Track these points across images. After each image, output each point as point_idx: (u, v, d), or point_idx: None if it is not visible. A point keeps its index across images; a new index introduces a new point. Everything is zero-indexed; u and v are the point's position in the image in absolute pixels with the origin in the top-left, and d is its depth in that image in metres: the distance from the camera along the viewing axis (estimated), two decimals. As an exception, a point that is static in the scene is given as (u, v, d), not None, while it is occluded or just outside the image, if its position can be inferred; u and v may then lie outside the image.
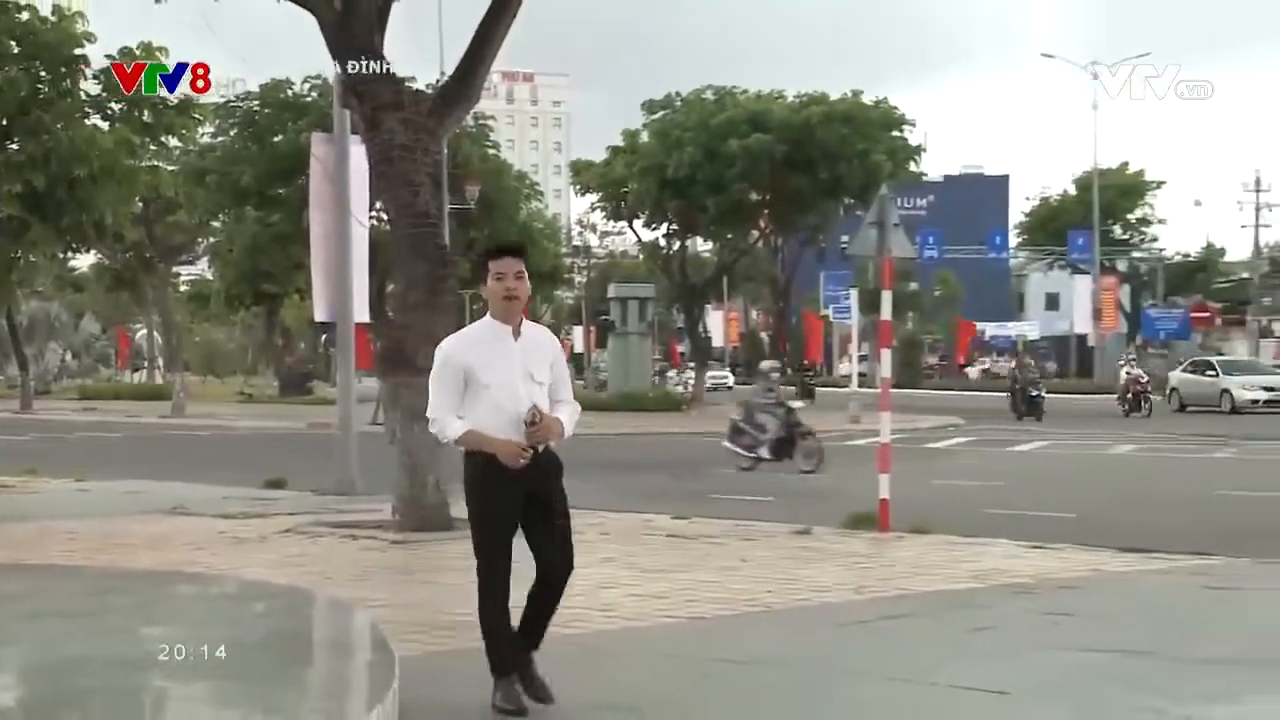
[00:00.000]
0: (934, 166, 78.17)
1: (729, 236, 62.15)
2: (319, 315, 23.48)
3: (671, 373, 75.83)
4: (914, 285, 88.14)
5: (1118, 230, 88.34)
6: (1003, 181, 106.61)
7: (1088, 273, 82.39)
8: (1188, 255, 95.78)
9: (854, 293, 56.89)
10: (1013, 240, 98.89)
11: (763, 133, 51.84)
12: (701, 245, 65.78)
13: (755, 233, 61.14)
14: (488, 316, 7.64)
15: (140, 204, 45.58)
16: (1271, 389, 52.63)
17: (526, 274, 7.55)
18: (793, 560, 14.32)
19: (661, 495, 20.98)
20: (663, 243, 62.30)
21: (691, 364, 66.32)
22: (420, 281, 16.61)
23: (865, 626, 10.83)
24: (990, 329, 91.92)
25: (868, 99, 54.66)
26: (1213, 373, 54.26)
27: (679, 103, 56.36)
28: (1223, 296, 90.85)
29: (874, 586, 12.60)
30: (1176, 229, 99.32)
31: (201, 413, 53.59)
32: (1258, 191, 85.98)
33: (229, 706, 7.49)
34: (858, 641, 10.38)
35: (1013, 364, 62.87)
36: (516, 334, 7.54)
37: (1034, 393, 48.60)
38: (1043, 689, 8.65)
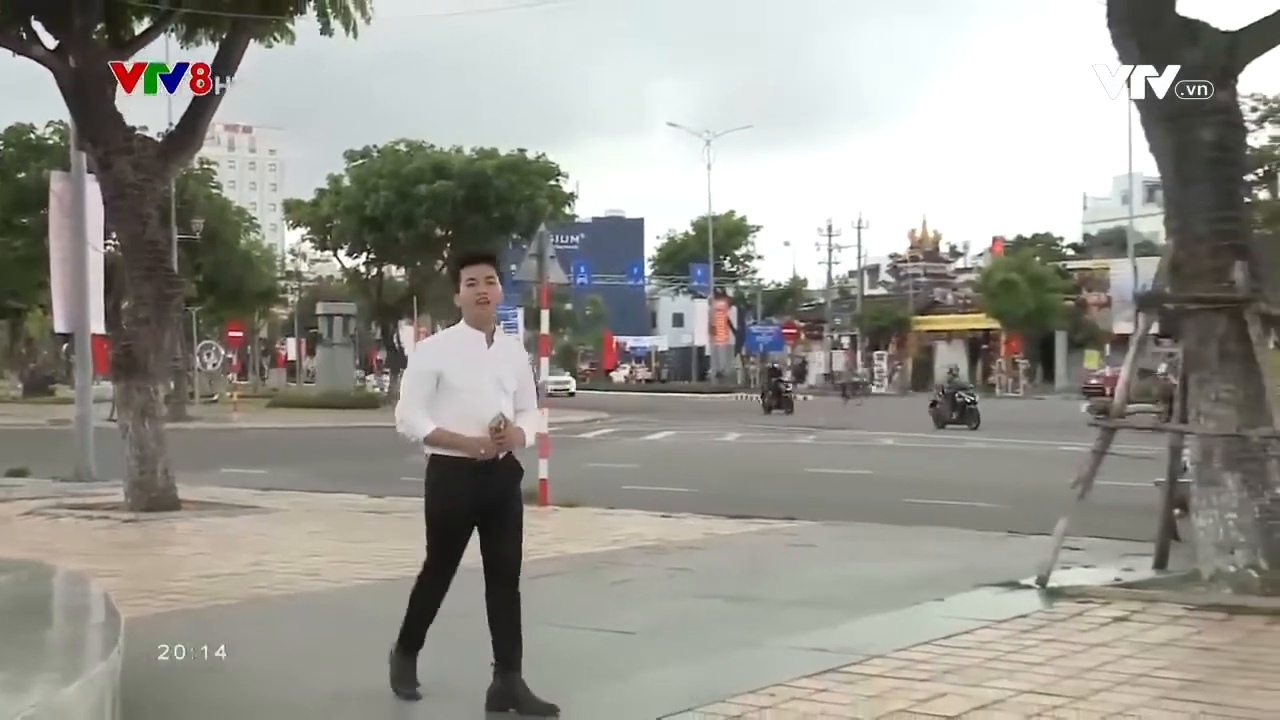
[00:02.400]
0: (585, 210, 79.39)
1: (418, 264, 62.02)
2: (59, 327, 22.60)
3: (370, 377, 74.78)
4: (569, 306, 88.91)
5: (727, 263, 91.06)
6: (639, 223, 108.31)
7: (705, 297, 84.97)
8: (779, 284, 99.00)
9: (521, 311, 57.24)
10: (647, 270, 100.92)
11: (446, 179, 52.45)
12: (395, 271, 65.16)
13: (440, 261, 61.02)
14: (461, 323, 6.61)
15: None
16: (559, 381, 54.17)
17: (498, 280, 6.58)
18: (468, 530, 14.13)
19: (361, 478, 20.54)
20: (362, 269, 61.93)
21: (387, 369, 66.09)
22: (149, 300, 16.25)
23: (529, 583, 10.58)
24: (630, 341, 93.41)
25: (531, 154, 55.45)
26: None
27: (376, 153, 56.63)
28: (806, 317, 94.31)
29: (535, 550, 12.34)
30: (771, 263, 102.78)
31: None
32: (830, 235, 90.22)
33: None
34: (524, 595, 10.16)
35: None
36: (489, 341, 6.54)
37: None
38: (663, 629, 8.73)
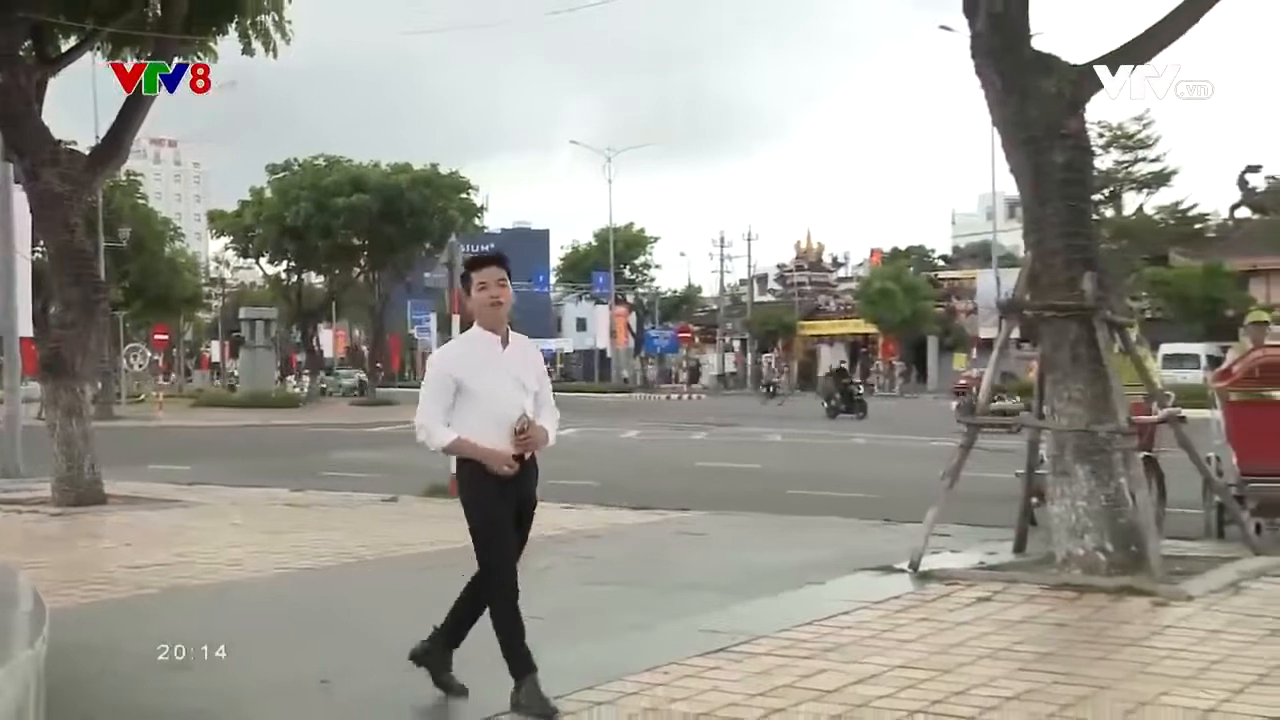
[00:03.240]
0: (494, 221, 79.32)
1: (336, 272, 61.68)
2: (-11, 330, 22.01)
3: (290, 378, 73.95)
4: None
5: (627, 272, 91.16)
6: (545, 234, 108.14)
7: (606, 303, 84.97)
8: (675, 291, 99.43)
9: (434, 316, 56.91)
10: (552, 278, 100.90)
11: (363, 192, 52.26)
12: (314, 278, 64.68)
13: (357, 269, 60.64)
14: (475, 327, 6.19)
15: None
16: None
17: (509, 281, 6.17)
18: (383, 521, 14.25)
19: (282, 473, 20.36)
20: (283, 276, 61.43)
21: (307, 371, 65.44)
22: (76, 304, 16.08)
23: (440, 570, 10.70)
24: (537, 344, 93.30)
25: (443, 170, 55.27)
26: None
27: (296, 167, 56.14)
28: (700, 322, 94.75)
29: (445, 540, 12.47)
30: (668, 272, 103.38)
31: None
32: (722, 246, 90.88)
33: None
34: (435, 582, 10.19)
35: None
36: (505, 343, 6.12)
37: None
38: (567, 613, 8.72)
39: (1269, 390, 12.46)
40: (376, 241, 54.62)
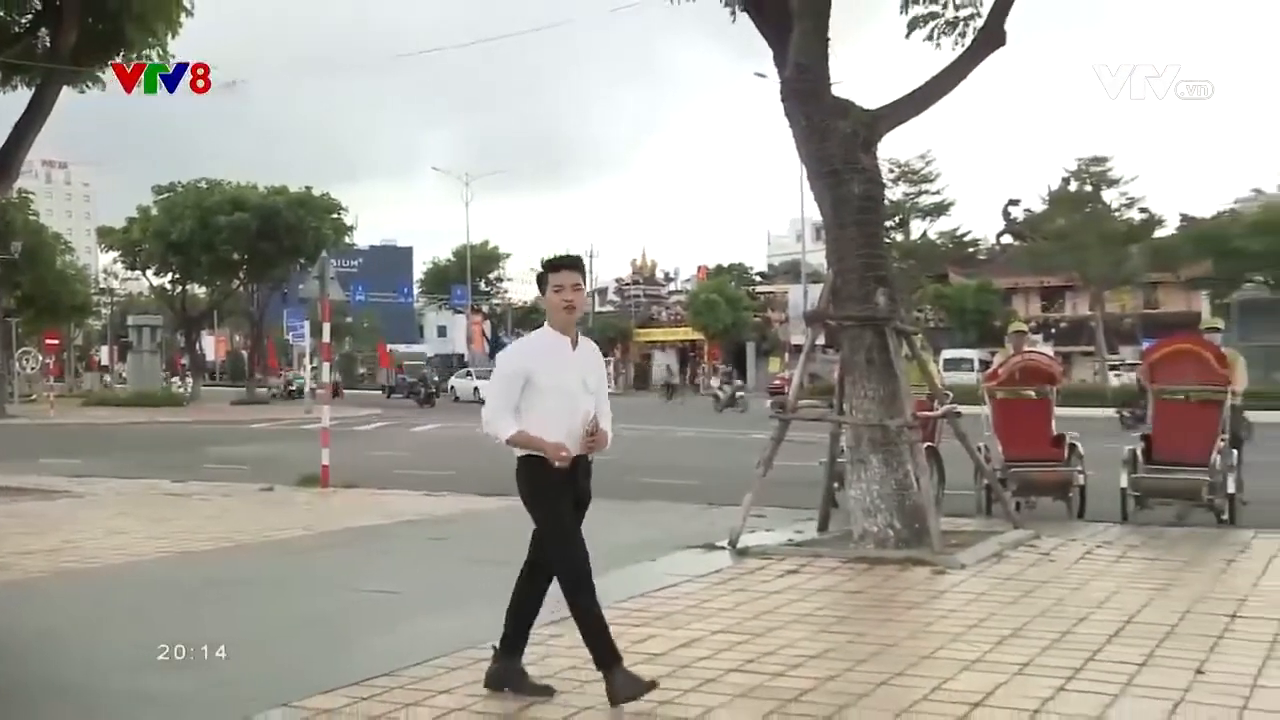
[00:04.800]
0: (363, 239, 77.66)
1: (218, 283, 60.07)
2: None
3: (175, 379, 71.69)
4: (349, 319, 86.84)
5: (483, 284, 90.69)
6: (409, 251, 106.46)
7: (464, 312, 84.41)
8: (526, 301, 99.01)
9: (307, 324, 55.77)
10: (416, 290, 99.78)
11: (243, 212, 51.04)
12: (197, 289, 62.88)
13: (237, 281, 59.19)
14: (545, 326, 5.66)
15: None
16: None
17: (584, 286, 5.64)
18: (260, 509, 13.91)
19: (166, 467, 19.76)
20: (168, 287, 59.58)
21: (190, 372, 63.62)
22: None
23: (311, 553, 10.65)
24: (402, 349, 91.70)
25: (317, 192, 54.29)
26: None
27: (181, 187, 54.52)
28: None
29: (318, 525, 12.37)
30: (520, 284, 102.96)
31: None
32: (591, 259, 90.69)
33: None
34: (307, 563, 10.15)
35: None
36: (574, 344, 5.61)
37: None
38: (425, 589, 8.73)
39: (1026, 389, 12.94)
40: (255, 256, 53.45)
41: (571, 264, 5.64)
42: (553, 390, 5.48)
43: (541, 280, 5.65)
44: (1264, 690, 5.71)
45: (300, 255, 51.87)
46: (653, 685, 5.44)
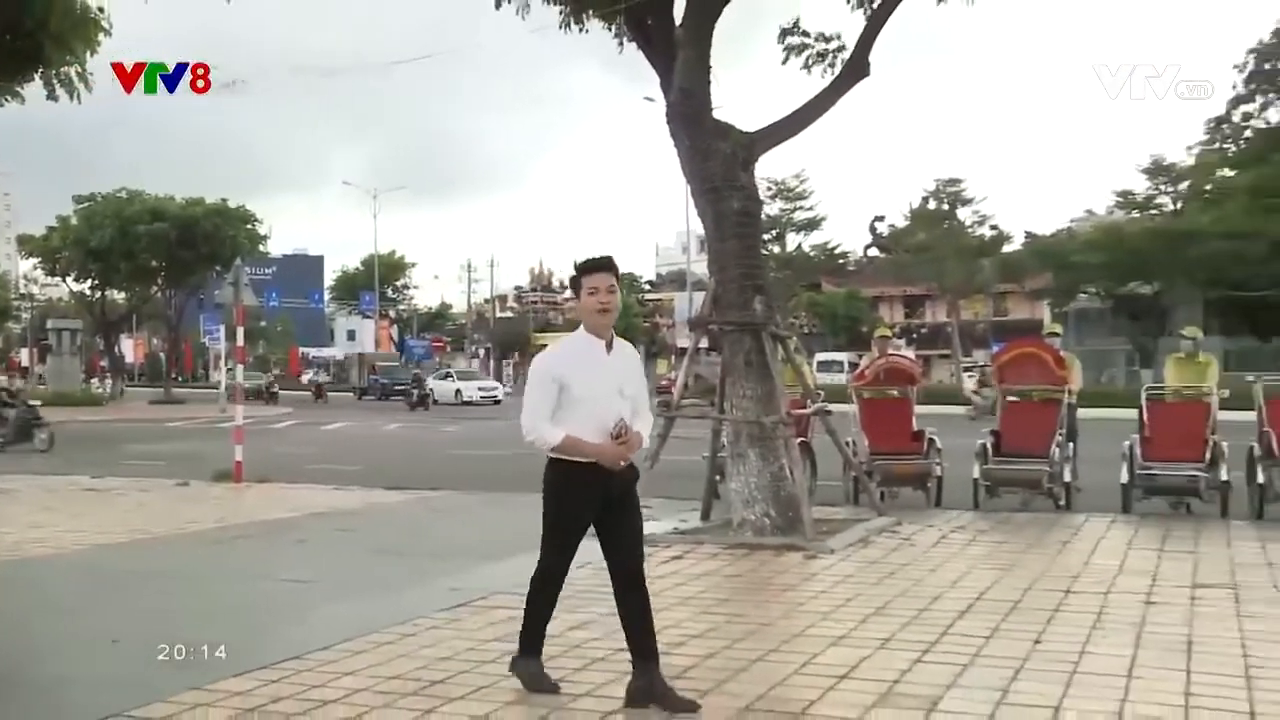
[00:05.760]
0: (276, 248, 76.17)
1: (137, 289, 58.46)
2: None
3: (94, 380, 69.56)
4: (263, 323, 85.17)
5: (390, 291, 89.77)
6: (320, 259, 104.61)
7: (372, 317, 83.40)
8: (430, 308, 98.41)
9: (223, 328, 54.54)
10: (326, 296, 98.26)
11: (162, 221, 49.71)
12: (117, 294, 61.12)
13: (155, 287, 57.71)
14: (580, 330, 5.09)
15: None
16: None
17: (619, 288, 5.09)
18: (175, 503, 13.55)
19: (85, 464, 19.15)
20: (87, 292, 57.75)
21: (109, 374, 61.82)
22: None
23: (225, 544, 10.40)
24: (313, 352, 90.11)
25: (233, 204, 53.24)
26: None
27: (100, 198, 52.89)
28: (451, 333, 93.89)
29: (230, 518, 12.07)
30: (424, 291, 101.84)
31: None
32: (470, 271, 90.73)
33: None
34: (220, 554, 9.91)
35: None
36: (609, 347, 5.06)
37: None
38: (331, 578, 8.57)
39: (890, 389, 13.15)
40: (173, 264, 52.27)
41: (606, 266, 5.10)
42: (587, 395, 4.97)
43: (575, 283, 5.13)
44: (1091, 656, 5.89)
45: (217, 263, 50.82)
46: (557, 688, 5.25)
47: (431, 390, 48.36)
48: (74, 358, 53.22)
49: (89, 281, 56.30)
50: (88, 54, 15.04)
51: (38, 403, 25.36)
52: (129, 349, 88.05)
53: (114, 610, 7.44)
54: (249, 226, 53.86)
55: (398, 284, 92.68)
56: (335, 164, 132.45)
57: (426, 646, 6.17)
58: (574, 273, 5.15)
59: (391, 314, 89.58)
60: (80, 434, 30.31)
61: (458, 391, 51.43)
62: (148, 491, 14.74)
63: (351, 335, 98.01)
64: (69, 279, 57.66)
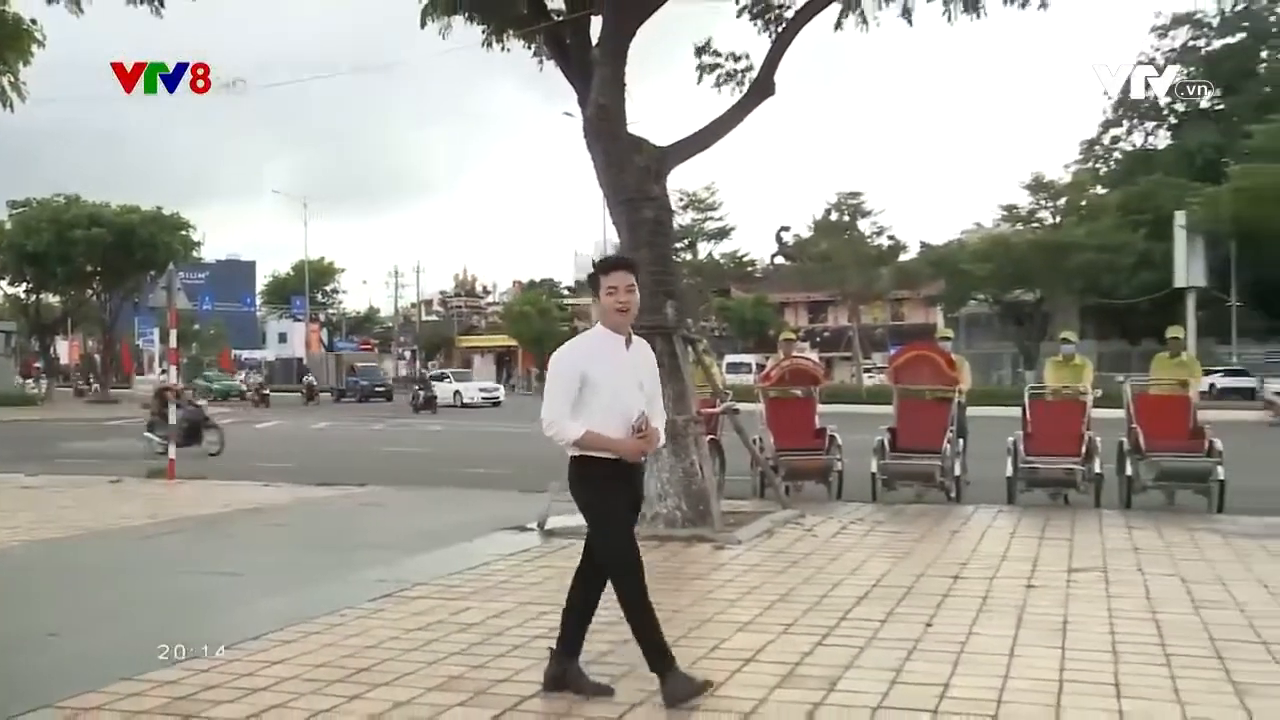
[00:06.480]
0: (210, 253, 74.47)
1: (72, 293, 56.86)
2: None
3: (29, 381, 67.53)
4: (197, 326, 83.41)
5: (319, 296, 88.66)
6: (252, 265, 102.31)
7: (302, 320, 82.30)
8: (359, 311, 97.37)
9: (157, 330, 53.41)
10: (258, 300, 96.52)
11: (99, 227, 48.48)
12: (52, 298, 59.41)
13: (91, 291, 56.20)
14: (599, 327, 4.89)
15: None
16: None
17: (637, 287, 4.85)
18: (109, 500, 13.19)
19: (19, 460, 18.61)
20: (22, 296, 56.00)
21: (44, 375, 60.04)
22: None
23: (158, 539, 10.15)
24: (245, 354, 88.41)
25: (168, 211, 52.28)
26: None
27: (36, 203, 51.38)
28: (378, 336, 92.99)
29: (163, 514, 11.79)
30: (353, 296, 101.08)
31: None
32: (396, 276, 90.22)
33: None
34: (152, 549, 9.67)
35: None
36: (628, 344, 4.84)
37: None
38: (262, 570, 8.45)
39: (794, 389, 13.27)
40: (109, 269, 51.03)
41: (625, 264, 4.93)
42: (608, 390, 4.73)
43: (594, 282, 4.91)
44: (977, 637, 6.00)
45: (152, 268, 49.68)
46: (707, 685, 4.83)
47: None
48: (8, 359, 51.77)
49: (24, 285, 54.72)
50: (21, 64, 14.62)
51: (204, 402, 23.02)
52: (64, 350, 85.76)
53: (49, 604, 7.24)
54: (183, 233, 52.95)
55: (327, 288, 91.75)
56: (267, 173, 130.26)
57: (353, 635, 6.09)
58: (592, 271, 4.99)
59: (321, 317, 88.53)
60: (15, 434, 29.42)
61: (457, 393, 47.01)
62: (82, 489, 14.34)
63: (283, 338, 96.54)
64: (3, 282, 56.05)
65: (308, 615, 6.52)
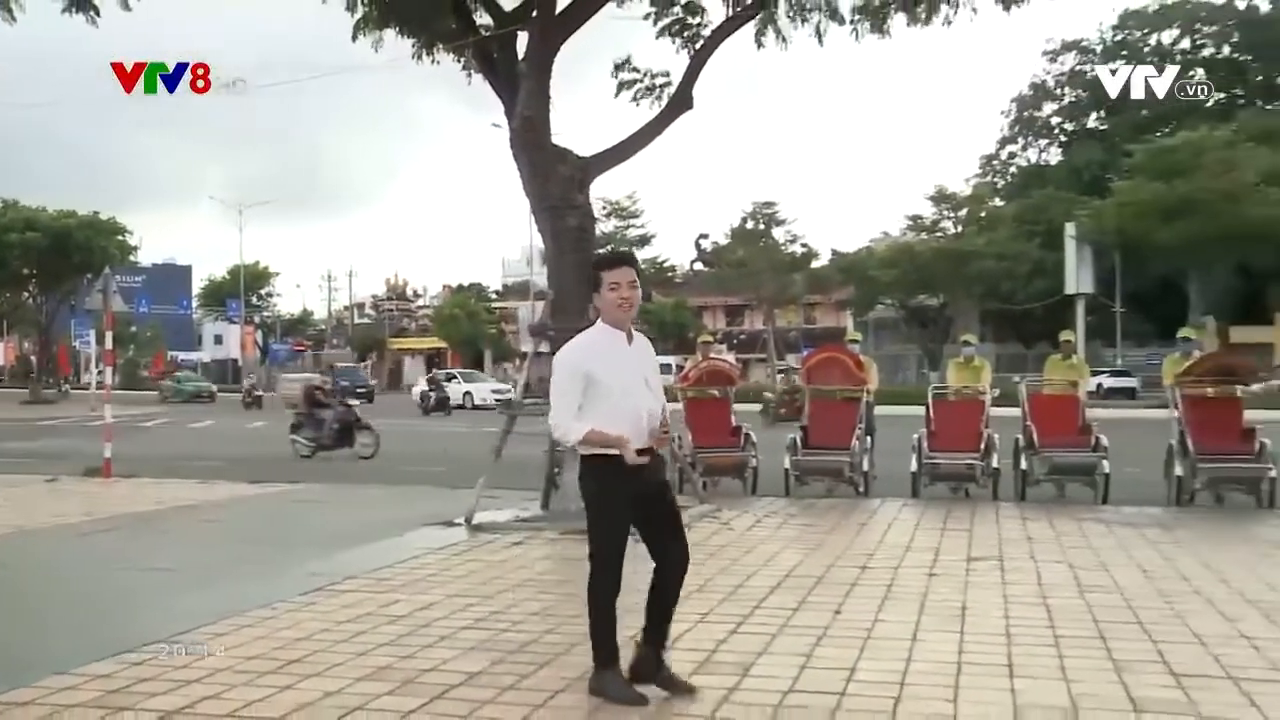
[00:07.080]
0: (146, 257, 72.85)
1: (8, 295, 55.23)
2: None
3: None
4: (134, 328, 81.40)
5: (254, 299, 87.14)
6: (188, 269, 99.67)
7: (238, 323, 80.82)
8: (293, 314, 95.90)
9: (94, 332, 51.90)
10: (195, 303, 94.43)
11: (34, 231, 47.08)
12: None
13: (26, 294, 54.59)
14: (600, 323, 4.55)
15: None
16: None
17: (639, 283, 4.58)
18: (45, 498, 12.80)
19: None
20: (-42, 299, 54.41)
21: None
22: None
23: (93, 536, 9.89)
24: (182, 355, 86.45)
25: (104, 216, 51.06)
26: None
27: (-30, 208, 49.86)
28: (312, 338, 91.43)
29: (99, 511, 11.46)
30: (287, 299, 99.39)
31: None
32: (330, 280, 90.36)
33: None
34: (87, 546, 9.42)
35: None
36: (629, 340, 4.56)
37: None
38: (196, 566, 8.22)
39: (711, 389, 13.33)
40: (45, 272, 49.70)
41: (627, 260, 4.65)
42: (616, 387, 4.47)
43: (595, 279, 4.57)
44: (882, 623, 6.08)
45: (89, 271, 48.50)
46: (642, 703, 4.54)
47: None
48: (-58, 361, 50.16)
49: (-43, 287, 53.15)
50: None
51: (357, 402, 20.66)
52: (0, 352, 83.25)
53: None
54: (119, 237, 51.93)
55: (262, 292, 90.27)
56: (203, 179, 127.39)
57: (285, 628, 5.99)
58: (593, 268, 4.65)
59: (256, 320, 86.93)
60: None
61: (468, 394, 44.10)
62: (16, 487, 13.88)
63: (218, 340, 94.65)
64: (-63, 285, 54.28)
65: (240, 609, 6.39)
